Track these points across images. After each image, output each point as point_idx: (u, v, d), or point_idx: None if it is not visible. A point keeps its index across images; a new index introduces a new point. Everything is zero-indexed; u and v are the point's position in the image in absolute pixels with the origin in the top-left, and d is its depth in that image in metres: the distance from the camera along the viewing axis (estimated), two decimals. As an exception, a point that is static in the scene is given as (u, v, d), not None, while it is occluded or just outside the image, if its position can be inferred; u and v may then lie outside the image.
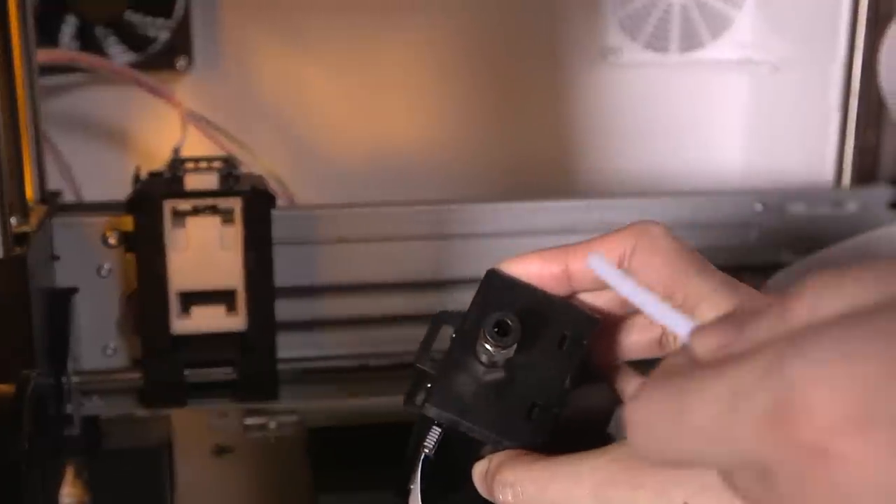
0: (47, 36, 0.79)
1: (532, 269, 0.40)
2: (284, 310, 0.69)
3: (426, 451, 0.38)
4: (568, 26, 0.92)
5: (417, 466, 0.39)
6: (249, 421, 0.72)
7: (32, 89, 0.62)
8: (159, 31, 0.82)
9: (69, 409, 0.65)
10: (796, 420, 0.22)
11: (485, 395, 0.38)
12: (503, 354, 0.38)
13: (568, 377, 0.38)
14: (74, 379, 0.66)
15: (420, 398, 0.39)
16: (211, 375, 0.70)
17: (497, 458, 0.38)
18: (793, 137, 0.93)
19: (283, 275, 0.69)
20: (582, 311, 0.39)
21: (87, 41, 0.81)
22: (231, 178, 0.68)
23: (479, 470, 0.38)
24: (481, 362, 0.38)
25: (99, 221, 0.68)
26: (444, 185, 0.89)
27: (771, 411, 0.22)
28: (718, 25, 0.92)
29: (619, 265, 0.38)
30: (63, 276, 0.67)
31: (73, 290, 0.66)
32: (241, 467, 0.66)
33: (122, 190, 0.68)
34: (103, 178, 0.83)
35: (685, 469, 0.33)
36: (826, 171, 0.90)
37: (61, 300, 0.65)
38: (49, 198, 0.66)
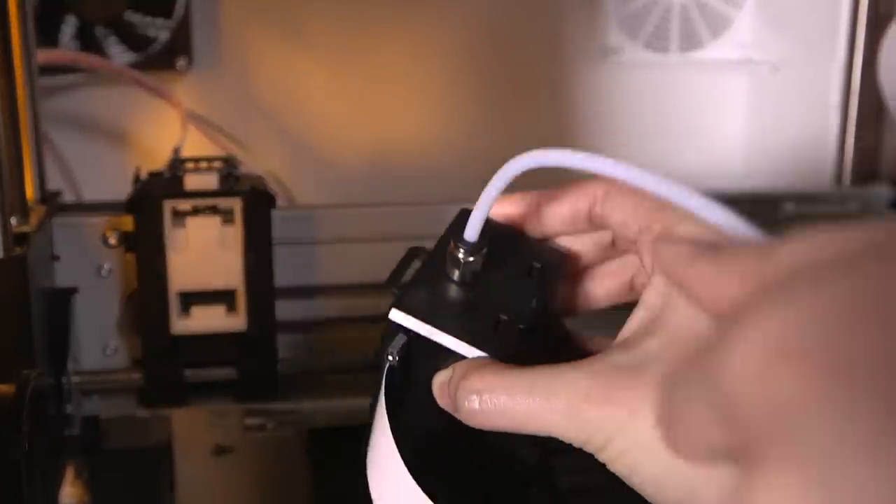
0: (47, 36, 0.79)
1: (505, 210, 0.40)
2: (284, 310, 0.69)
3: (390, 358, 0.37)
4: (568, 26, 0.92)
5: (382, 376, 0.38)
6: (249, 421, 0.72)
7: (32, 89, 0.62)
8: (159, 31, 0.82)
9: (69, 409, 0.65)
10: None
11: (451, 306, 0.37)
12: (471, 265, 0.37)
13: (534, 299, 0.38)
14: (74, 379, 0.66)
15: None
16: (211, 375, 0.70)
17: (462, 365, 0.36)
18: (793, 137, 0.93)
19: (283, 275, 0.69)
20: (553, 247, 0.40)
21: (87, 41, 0.81)
22: (231, 178, 0.68)
23: (440, 379, 0.37)
24: (450, 278, 0.38)
25: (99, 221, 0.68)
26: (444, 185, 0.89)
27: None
28: (718, 25, 0.92)
29: (591, 210, 0.38)
30: (63, 276, 0.67)
31: (73, 290, 0.66)
32: (241, 467, 0.66)
33: (122, 190, 0.68)
34: (103, 178, 0.83)
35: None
36: (826, 171, 0.90)
37: (61, 300, 0.65)
38: (49, 198, 0.66)
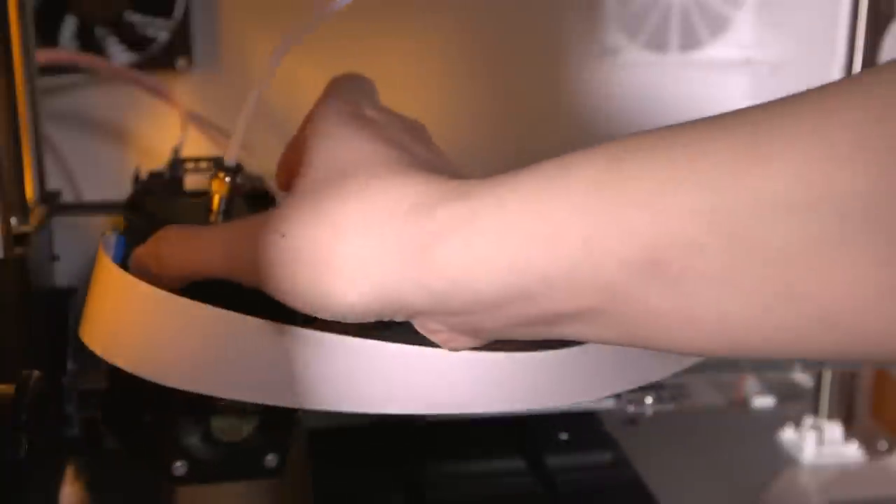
0: (47, 36, 0.79)
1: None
2: (284, 310, 0.69)
3: (108, 233, 0.45)
4: (567, 26, 0.92)
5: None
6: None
7: (32, 89, 0.62)
8: (159, 31, 0.82)
9: (69, 409, 0.64)
10: None
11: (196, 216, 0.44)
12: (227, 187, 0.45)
13: None
14: (74, 379, 0.65)
15: None
16: (211, 375, 0.69)
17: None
18: (793, 137, 0.93)
19: (283, 275, 0.68)
20: None
21: (87, 41, 0.81)
22: (231, 178, 0.68)
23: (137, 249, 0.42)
24: (209, 208, 0.46)
25: (99, 221, 0.68)
26: (444, 185, 0.89)
27: None
28: (718, 25, 0.92)
29: None
30: (63, 276, 0.66)
31: (73, 291, 0.66)
32: (241, 467, 0.66)
33: (122, 190, 0.68)
34: (103, 178, 0.83)
35: None
36: (826, 171, 0.90)
37: (61, 300, 0.65)
38: (49, 198, 0.66)
